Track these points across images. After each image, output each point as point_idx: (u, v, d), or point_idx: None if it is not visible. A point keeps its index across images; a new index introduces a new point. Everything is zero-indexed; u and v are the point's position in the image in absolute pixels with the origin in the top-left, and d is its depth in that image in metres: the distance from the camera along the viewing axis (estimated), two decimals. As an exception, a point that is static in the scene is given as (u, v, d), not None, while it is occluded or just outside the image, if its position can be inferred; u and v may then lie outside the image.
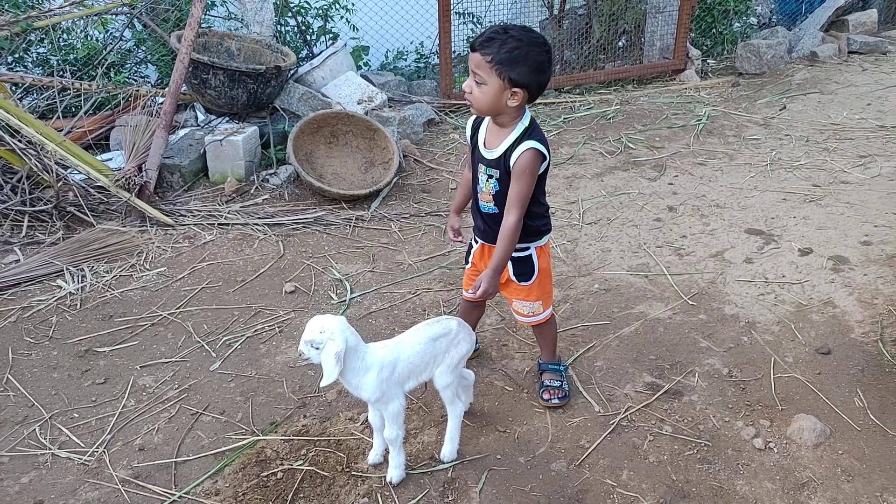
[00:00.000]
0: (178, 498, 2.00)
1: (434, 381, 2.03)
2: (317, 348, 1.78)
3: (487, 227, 2.13)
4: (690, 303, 2.88)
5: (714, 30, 6.48)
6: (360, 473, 2.07)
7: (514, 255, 2.12)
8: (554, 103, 5.39)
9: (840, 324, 2.73)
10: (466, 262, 2.32)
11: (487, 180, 2.05)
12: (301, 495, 2.00)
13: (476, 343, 2.53)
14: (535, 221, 2.10)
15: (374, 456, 2.10)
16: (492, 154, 2.01)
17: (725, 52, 6.59)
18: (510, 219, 1.98)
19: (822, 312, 2.80)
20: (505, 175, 2.00)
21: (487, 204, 2.10)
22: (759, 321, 2.76)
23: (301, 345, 1.81)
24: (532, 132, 1.97)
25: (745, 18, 6.71)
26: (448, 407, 2.08)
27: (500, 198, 2.04)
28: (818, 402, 2.33)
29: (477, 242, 2.24)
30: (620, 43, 6.07)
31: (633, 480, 2.05)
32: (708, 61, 6.38)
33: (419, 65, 6.07)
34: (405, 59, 6.02)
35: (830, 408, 2.30)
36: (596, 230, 3.52)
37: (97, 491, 2.04)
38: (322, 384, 1.79)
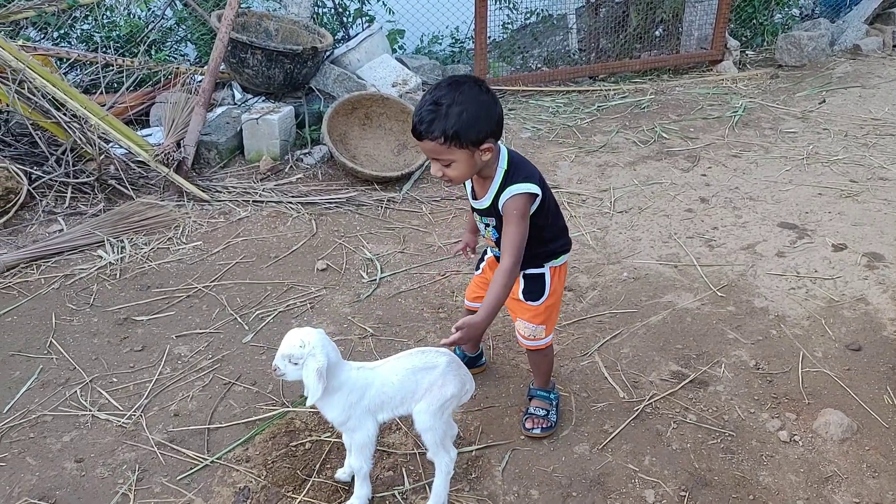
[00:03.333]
0: (211, 463, 2.08)
1: (413, 421, 1.83)
2: (295, 363, 1.68)
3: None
4: (719, 294, 2.87)
5: (754, 20, 6.35)
6: (386, 448, 2.12)
7: (528, 272, 2.03)
8: (588, 91, 5.35)
9: (872, 321, 2.70)
10: (477, 269, 2.25)
11: (486, 228, 2.02)
12: (328, 465, 2.06)
13: (482, 358, 2.44)
14: (551, 245, 2.02)
15: (342, 473, 2.00)
16: (481, 204, 1.95)
17: (765, 44, 6.46)
18: (504, 264, 1.87)
19: (854, 309, 2.78)
20: (499, 222, 1.93)
21: (493, 249, 2.10)
22: (788, 315, 2.74)
23: (277, 359, 1.71)
24: (514, 173, 1.88)
25: (787, 9, 6.56)
26: (433, 458, 1.86)
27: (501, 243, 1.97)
28: (846, 397, 2.32)
29: (491, 251, 2.16)
30: (657, 32, 5.99)
31: (655, 466, 2.07)
32: (747, 52, 6.26)
33: (454, 49, 6.07)
34: (440, 44, 6.02)
35: (859, 404, 2.29)
36: (627, 219, 3.52)
37: (134, 452, 2.12)
38: (309, 403, 1.69)
